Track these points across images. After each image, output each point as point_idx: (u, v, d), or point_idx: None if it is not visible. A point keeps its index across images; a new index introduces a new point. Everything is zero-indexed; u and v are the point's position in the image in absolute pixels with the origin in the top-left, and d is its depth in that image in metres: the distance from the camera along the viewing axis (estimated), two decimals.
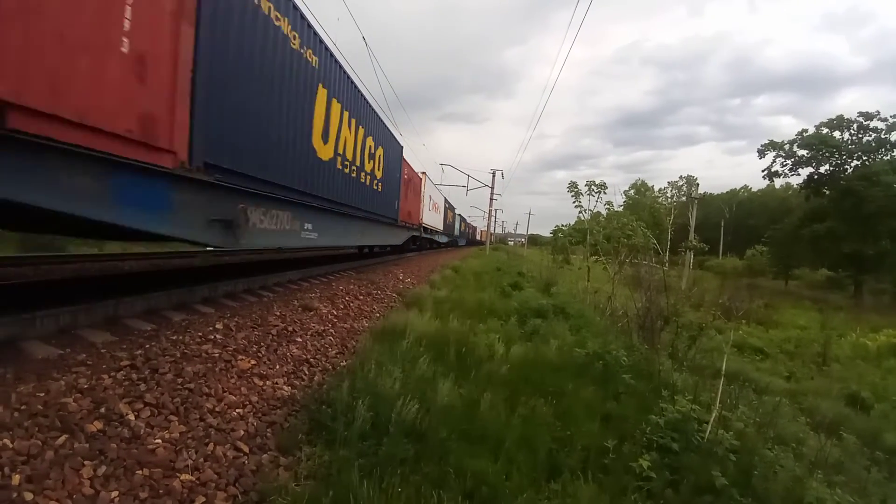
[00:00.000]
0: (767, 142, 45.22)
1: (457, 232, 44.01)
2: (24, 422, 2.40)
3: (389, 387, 3.95)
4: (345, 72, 8.65)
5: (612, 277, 12.66)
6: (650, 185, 68.28)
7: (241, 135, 5.21)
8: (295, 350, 4.87)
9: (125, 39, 3.43)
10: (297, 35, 6.41)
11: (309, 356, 4.91)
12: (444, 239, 32.95)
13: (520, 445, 3.56)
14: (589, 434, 3.96)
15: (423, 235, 22.39)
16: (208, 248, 5.33)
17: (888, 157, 38.55)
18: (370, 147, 10.87)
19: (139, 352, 3.56)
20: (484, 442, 3.56)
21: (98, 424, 2.59)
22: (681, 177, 63.92)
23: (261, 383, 3.87)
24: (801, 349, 16.68)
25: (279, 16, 5.83)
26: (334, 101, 8.15)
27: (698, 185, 60.88)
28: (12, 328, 3.41)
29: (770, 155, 44.97)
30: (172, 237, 4.45)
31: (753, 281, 40.57)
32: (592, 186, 14.36)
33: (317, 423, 3.42)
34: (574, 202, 14.36)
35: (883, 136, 39.28)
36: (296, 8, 6.32)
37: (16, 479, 2.07)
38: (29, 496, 2.03)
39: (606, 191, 14.28)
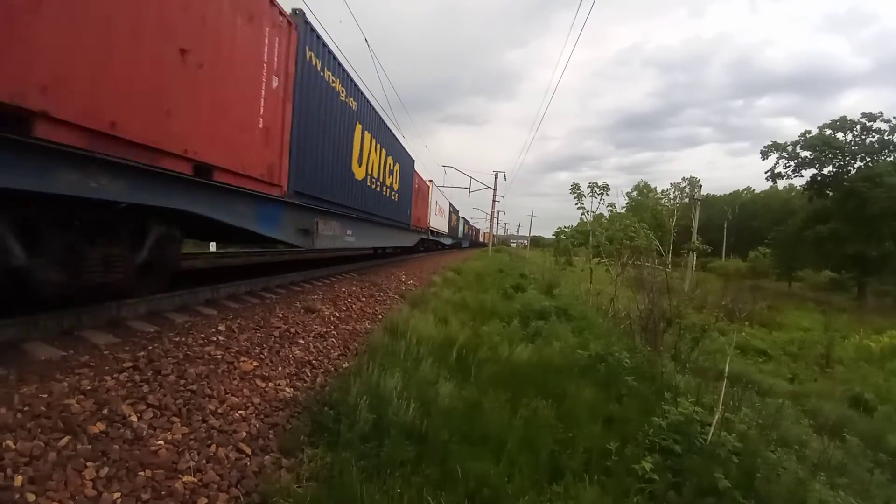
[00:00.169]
0: (770, 143, 45.18)
1: (460, 234, 45.46)
2: (26, 423, 2.40)
3: (391, 388, 3.95)
4: (372, 106, 10.92)
5: (614, 279, 12.65)
6: (653, 186, 68.22)
7: (312, 169, 7.40)
8: (297, 352, 4.88)
9: (261, 119, 5.68)
10: (343, 89, 8.72)
11: (311, 358, 4.91)
12: (448, 241, 34.89)
13: (522, 447, 3.55)
14: (591, 436, 3.95)
15: (430, 238, 24.61)
16: (295, 247, 7.86)
17: (891, 159, 38.44)
18: (389, 164, 13.09)
19: (142, 353, 3.57)
20: (486, 443, 3.56)
21: (100, 426, 2.59)
22: (683, 178, 63.80)
23: (263, 385, 3.87)
24: (805, 351, 16.62)
25: (333, 78, 8.11)
26: (366, 133, 10.43)
27: (701, 186, 60.80)
28: (15, 330, 3.42)
29: (773, 156, 44.92)
30: (281, 241, 6.84)
31: (756, 283, 40.49)
32: (595, 188, 14.37)
33: (319, 425, 3.42)
34: (576, 204, 14.38)
35: (886, 138, 39.18)
36: (343, 69, 8.63)
37: (18, 480, 2.07)
38: (31, 497, 2.03)
39: (609, 192, 14.29)
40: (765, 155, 45.43)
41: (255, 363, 4.14)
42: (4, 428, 2.32)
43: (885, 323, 22.77)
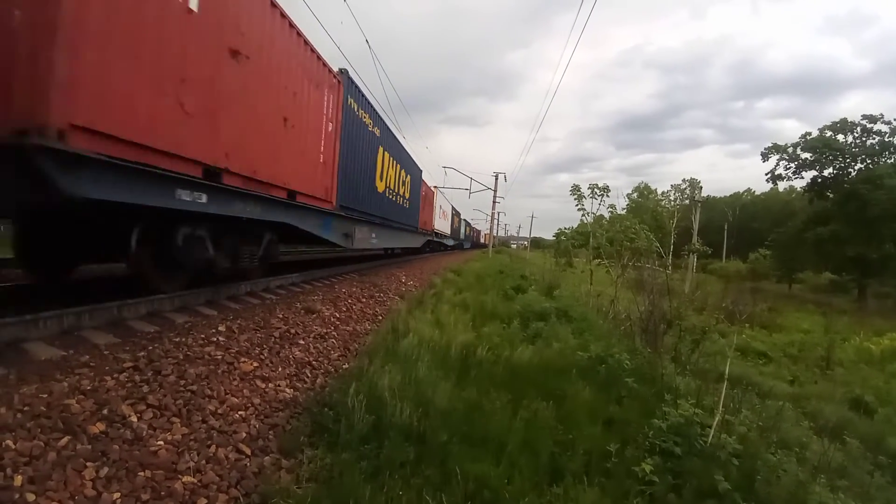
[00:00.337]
0: (771, 145, 45.06)
1: (462, 236, 47.70)
2: (26, 423, 2.40)
3: (391, 389, 3.95)
4: (389, 129, 13.38)
5: (614, 281, 12.64)
6: (653, 188, 68.08)
7: (351, 187, 9.84)
8: (297, 352, 4.88)
9: (321, 155, 8.01)
10: (370, 120, 11.04)
11: (311, 359, 4.91)
12: (451, 242, 37.36)
13: (522, 448, 3.55)
14: (591, 438, 3.94)
15: (435, 239, 27.19)
16: (339, 247, 9.98)
17: (892, 161, 38.38)
18: (402, 176, 15.45)
19: (142, 353, 3.57)
20: (486, 445, 3.56)
21: (100, 426, 2.59)
22: (684, 180, 63.70)
23: (263, 385, 3.87)
24: (805, 353, 16.58)
25: (364, 113, 10.45)
26: (386, 152, 12.82)
27: (701, 188, 60.68)
28: (16, 329, 3.42)
29: (773, 158, 44.81)
30: (332, 242, 9.14)
31: (757, 284, 40.41)
32: (595, 189, 14.37)
33: (319, 426, 3.42)
34: (577, 205, 14.38)
35: (887, 140, 39.09)
36: (370, 104, 10.96)
37: (18, 480, 2.08)
38: (31, 497, 2.03)
39: (609, 194, 14.28)
40: (765, 157, 45.42)
41: (256, 364, 4.15)
42: (4, 428, 2.32)
43: (886, 325, 22.74)
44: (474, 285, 14.18)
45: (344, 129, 8.94)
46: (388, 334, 6.21)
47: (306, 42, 7.01)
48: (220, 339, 4.39)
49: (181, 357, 3.72)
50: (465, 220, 51.67)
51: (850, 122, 40.91)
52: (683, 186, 61.66)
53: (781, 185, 54.15)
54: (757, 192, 77.30)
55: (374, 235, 11.98)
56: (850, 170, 40.53)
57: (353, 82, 9.40)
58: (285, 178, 6.72)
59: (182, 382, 3.35)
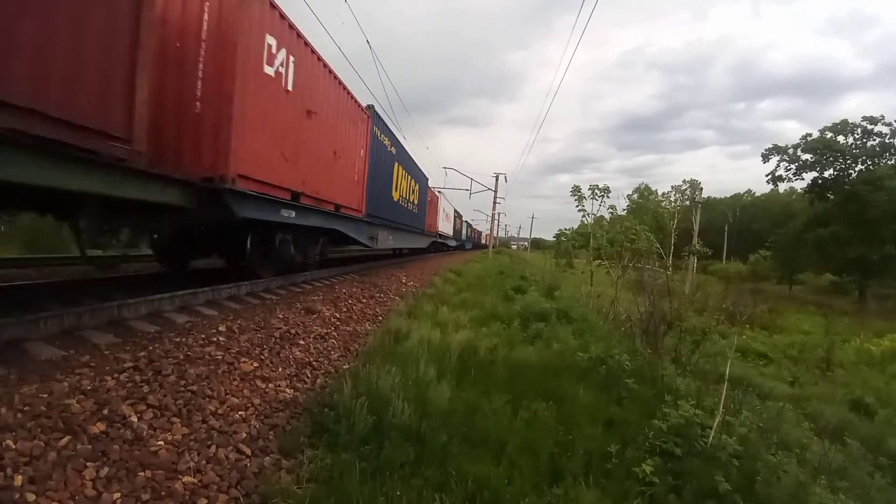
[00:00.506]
0: (771, 146, 45.08)
1: (464, 236, 49.65)
2: (27, 423, 2.40)
3: (390, 390, 3.94)
4: (403, 146, 15.83)
5: (615, 281, 12.64)
6: (654, 189, 68.08)
7: (374, 199, 11.87)
8: (297, 353, 4.88)
9: (356, 175, 10.43)
10: (389, 142, 13.50)
11: (311, 359, 4.91)
12: (453, 243, 39.42)
13: (522, 449, 3.54)
14: (591, 438, 3.94)
15: (438, 240, 29.51)
16: (367, 247, 12.33)
17: (892, 162, 38.38)
18: (412, 185, 17.85)
19: (142, 353, 3.58)
20: (486, 445, 3.55)
21: (101, 426, 2.59)
22: (684, 181, 63.68)
23: (263, 386, 3.87)
24: (805, 354, 16.57)
25: (384, 137, 12.82)
26: (400, 167, 15.24)
27: (702, 189, 60.68)
28: (16, 329, 3.43)
29: (774, 159, 44.85)
30: (363, 244, 11.42)
31: (757, 285, 40.34)
32: (596, 190, 14.36)
33: (319, 426, 3.42)
34: (577, 206, 14.37)
35: (887, 141, 39.12)
36: (388, 128, 13.44)
37: (18, 480, 2.08)
38: (31, 497, 2.03)
39: (610, 195, 14.28)
40: (766, 158, 45.43)
41: (256, 364, 4.15)
42: (5, 427, 2.32)
43: (886, 326, 22.73)
44: (475, 286, 14.18)
45: (370, 152, 11.34)
46: (388, 335, 6.21)
47: (348, 91, 9.40)
48: (221, 339, 4.39)
49: (181, 357, 3.73)
50: (466, 221, 52.88)
51: (851, 123, 40.98)
52: (684, 187, 61.67)
53: (782, 187, 54.11)
54: (757, 194, 77.32)
55: (391, 237, 14.40)
56: (850, 171, 40.55)
57: (377, 114, 11.80)
58: (334, 196, 9.15)
59: (182, 382, 3.35)
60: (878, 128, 39.58)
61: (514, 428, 3.91)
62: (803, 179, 44.25)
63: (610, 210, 14.81)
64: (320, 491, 2.68)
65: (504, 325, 8.12)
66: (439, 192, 28.92)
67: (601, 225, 14.96)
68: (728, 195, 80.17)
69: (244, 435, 3.10)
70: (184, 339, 4.12)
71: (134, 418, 2.77)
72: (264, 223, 6.65)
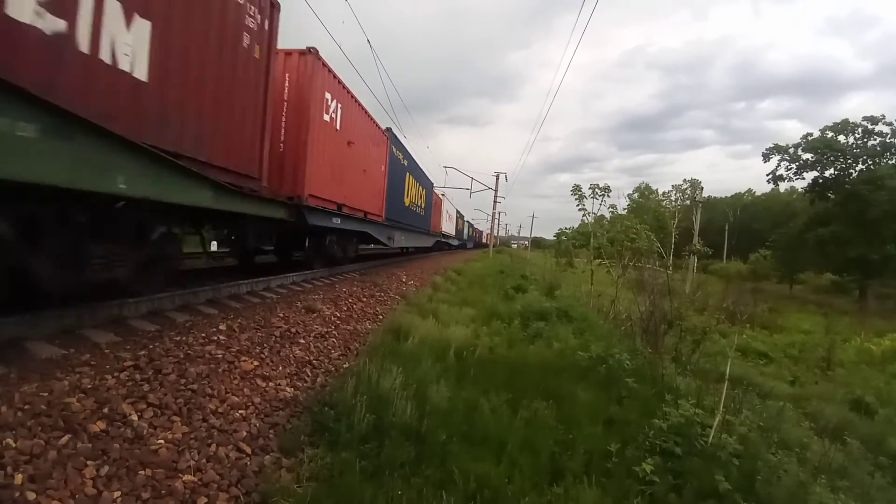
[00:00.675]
0: (772, 145, 45.01)
1: (465, 236, 51.15)
2: (27, 421, 2.40)
3: (391, 389, 3.94)
4: (413, 157, 18.14)
5: (615, 281, 12.64)
6: (654, 188, 67.88)
7: (391, 205, 14.16)
8: (298, 352, 4.88)
9: (379, 186, 13.09)
10: (402, 156, 15.91)
11: (312, 358, 4.91)
12: (455, 242, 41.09)
13: (522, 448, 3.54)
14: (592, 437, 3.94)
15: (442, 240, 31.71)
16: (386, 246, 15.03)
17: (893, 162, 38.35)
18: (420, 191, 20.15)
19: (143, 352, 3.58)
20: (486, 444, 3.55)
21: (101, 424, 2.59)
22: (685, 180, 63.51)
23: (263, 384, 3.87)
24: (806, 353, 16.55)
25: (398, 152, 15.13)
26: (410, 177, 17.69)
27: (702, 188, 60.52)
28: (16, 328, 3.42)
29: (775, 159, 44.79)
30: (383, 243, 14.10)
31: (758, 285, 40.33)
32: (596, 190, 14.37)
33: (319, 425, 3.42)
34: (578, 205, 14.39)
35: (888, 141, 39.09)
36: (402, 144, 15.92)
37: (18, 478, 2.07)
38: (31, 496, 2.03)
39: (610, 194, 14.28)
40: (766, 157, 45.37)
41: (256, 363, 4.15)
42: (5, 426, 2.32)
43: (887, 326, 22.72)
44: (475, 285, 14.19)
45: (388, 167, 13.74)
46: (388, 333, 6.21)
47: (373, 119, 11.77)
48: (221, 337, 4.39)
49: (182, 356, 3.73)
50: (467, 221, 53.98)
51: (852, 123, 40.95)
52: (684, 187, 61.50)
53: (782, 186, 54.14)
54: (758, 193, 77.19)
55: (403, 238, 16.74)
56: (851, 171, 40.53)
57: (394, 135, 14.27)
58: (363, 205, 11.42)
59: (183, 381, 3.35)
60: (879, 127, 39.59)
61: (515, 427, 3.91)
62: (804, 179, 44.29)
63: (610, 209, 14.83)
64: (320, 490, 2.68)
65: (504, 324, 8.12)
66: (442, 194, 31.02)
67: (602, 224, 14.95)
68: (729, 194, 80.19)
69: (244, 433, 3.10)
70: (184, 338, 4.12)
71: (134, 417, 2.77)
72: (320, 227, 8.77)
